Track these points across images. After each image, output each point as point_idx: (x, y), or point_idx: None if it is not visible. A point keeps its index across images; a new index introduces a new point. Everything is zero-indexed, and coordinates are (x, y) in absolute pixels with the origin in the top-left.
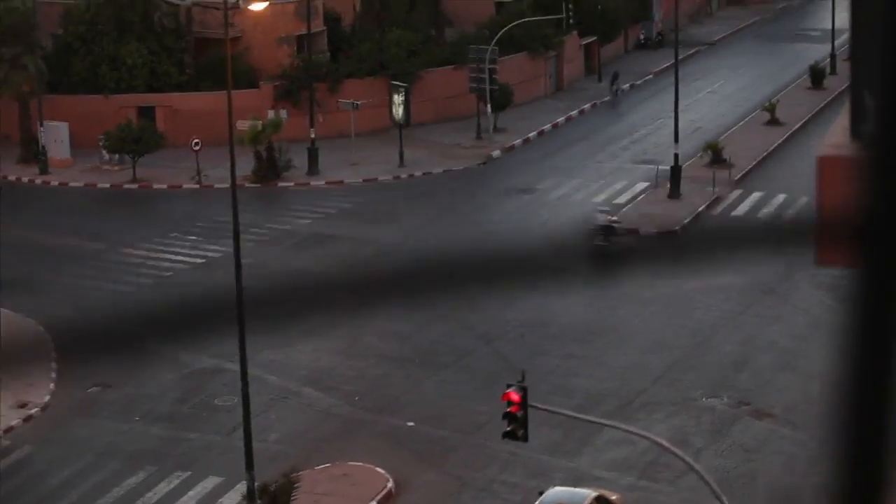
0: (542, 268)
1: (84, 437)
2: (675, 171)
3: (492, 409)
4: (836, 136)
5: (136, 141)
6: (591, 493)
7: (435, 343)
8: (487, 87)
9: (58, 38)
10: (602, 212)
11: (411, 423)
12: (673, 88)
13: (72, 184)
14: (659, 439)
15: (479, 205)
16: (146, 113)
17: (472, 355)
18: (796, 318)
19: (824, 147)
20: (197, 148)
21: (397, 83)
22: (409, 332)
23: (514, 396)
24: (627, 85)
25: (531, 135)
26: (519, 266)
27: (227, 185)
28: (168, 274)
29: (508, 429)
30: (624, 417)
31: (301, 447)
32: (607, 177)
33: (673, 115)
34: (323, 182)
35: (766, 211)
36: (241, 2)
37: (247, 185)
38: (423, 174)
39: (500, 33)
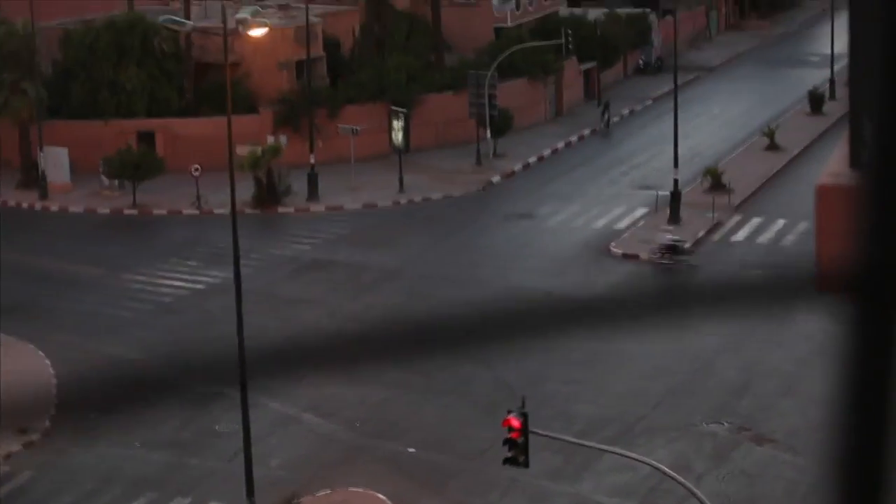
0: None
1: (85, 463)
2: (675, 197)
3: (493, 434)
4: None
5: (136, 166)
6: None
7: (436, 369)
8: (487, 112)
9: (57, 63)
10: (665, 231)
11: (412, 449)
12: (672, 114)
13: (71, 209)
14: (660, 465)
15: (478, 230)
16: (146, 138)
17: (472, 381)
18: (797, 343)
19: (823, 176)
20: (197, 173)
21: (397, 108)
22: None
23: (515, 422)
24: (627, 110)
25: (531, 160)
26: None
27: (226, 211)
28: (167, 300)
29: (509, 455)
30: (625, 443)
31: (302, 473)
32: (607, 202)
33: (672, 140)
34: (323, 207)
35: (766, 236)
36: (240, 27)
37: (247, 210)
38: (423, 200)
39: (500, 59)
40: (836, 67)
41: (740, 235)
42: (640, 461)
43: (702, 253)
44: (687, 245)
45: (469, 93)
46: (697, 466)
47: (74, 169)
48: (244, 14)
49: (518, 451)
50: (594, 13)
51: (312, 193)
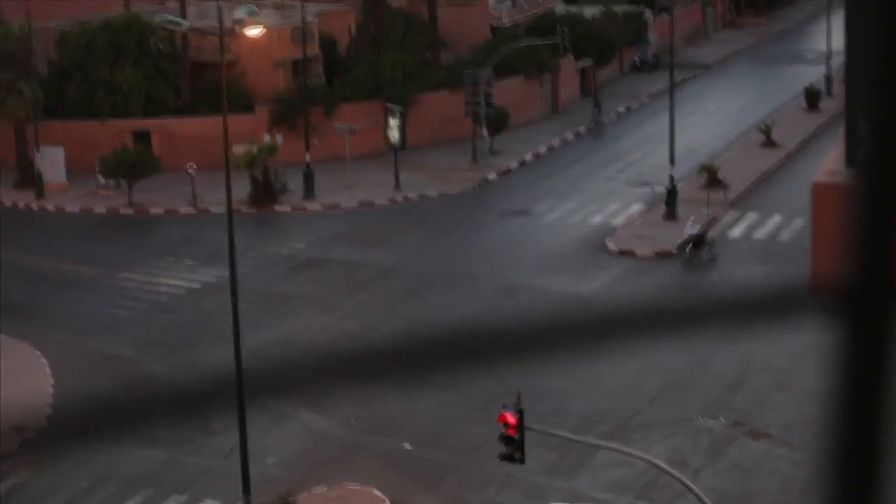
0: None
1: (80, 460)
2: (671, 193)
3: (489, 430)
4: (831, 163)
5: (132, 166)
6: None
7: (431, 364)
8: (483, 110)
9: (54, 63)
10: (693, 222)
11: (408, 446)
12: (668, 111)
13: (68, 209)
14: (656, 460)
15: (475, 227)
16: (142, 138)
17: (468, 377)
18: (792, 338)
19: (819, 174)
20: (193, 172)
21: (393, 106)
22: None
23: (511, 418)
24: (623, 107)
25: (527, 157)
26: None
27: (223, 210)
28: (164, 299)
29: (505, 451)
30: (621, 438)
31: (298, 470)
32: (603, 199)
33: (668, 137)
34: (319, 206)
35: (762, 232)
36: (236, 27)
37: (243, 209)
38: (419, 197)
39: (496, 57)
40: (832, 64)
41: (736, 231)
42: (635, 457)
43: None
44: (712, 235)
45: (465, 91)
46: (693, 462)
47: (71, 169)
48: (240, 14)
49: (514, 447)
50: (590, 11)
51: (308, 192)
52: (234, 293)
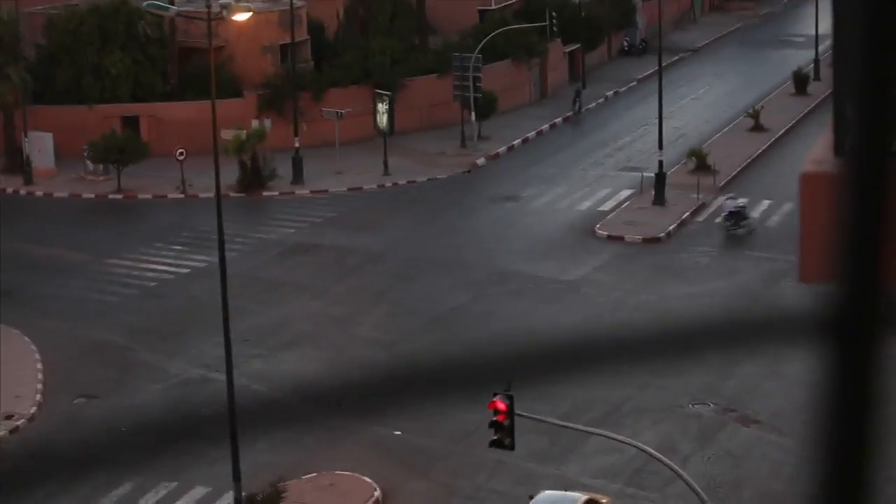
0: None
1: (69, 447)
2: (660, 178)
3: (479, 417)
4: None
5: (121, 151)
6: (581, 497)
7: (420, 351)
8: (472, 95)
9: (41, 48)
10: (730, 198)
11: (398, 432)
12: (657, 95)
13: (56, 194)
14: (646, 447)
15: (463, 213)
16: (130, 123)
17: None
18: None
19: (807, 163)
20: (181, 158)
21: (381, 92)
22: (395, 341)
23: (501, 405)
24: (611, 92)
25: (515, 142)
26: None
27: (211, 195)
28: (153, 284)
29: (495, 437)
30: (611, 424)
31: (288, 457)
32: (592, 184)
33: (657, 121)
34: (307, 191)
35: (751, 217)
36: (224, 11)
37: (231, 194)
38: (408, 182)
39: (484, 41)
40: (820, 48)
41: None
42: (625, 443)
43: (685, 234)
44: (748, 209)
45: (453, 76)
46: (683, 448)
47: (59, 154)
48: None
49: (504, 433)
50: None
51: (297, 177)
52: (223, 279)
